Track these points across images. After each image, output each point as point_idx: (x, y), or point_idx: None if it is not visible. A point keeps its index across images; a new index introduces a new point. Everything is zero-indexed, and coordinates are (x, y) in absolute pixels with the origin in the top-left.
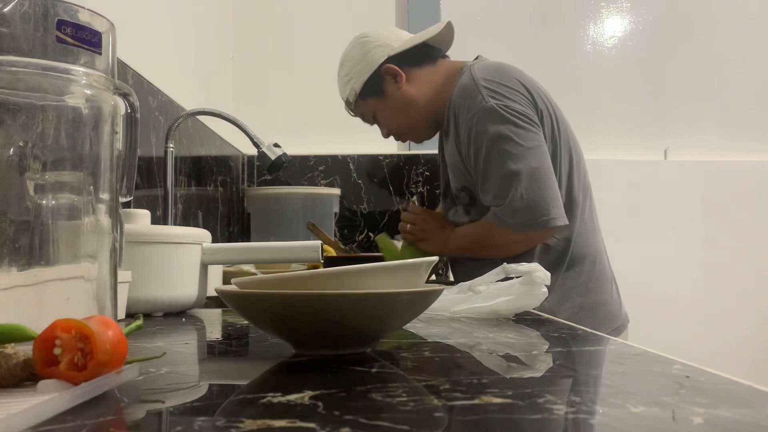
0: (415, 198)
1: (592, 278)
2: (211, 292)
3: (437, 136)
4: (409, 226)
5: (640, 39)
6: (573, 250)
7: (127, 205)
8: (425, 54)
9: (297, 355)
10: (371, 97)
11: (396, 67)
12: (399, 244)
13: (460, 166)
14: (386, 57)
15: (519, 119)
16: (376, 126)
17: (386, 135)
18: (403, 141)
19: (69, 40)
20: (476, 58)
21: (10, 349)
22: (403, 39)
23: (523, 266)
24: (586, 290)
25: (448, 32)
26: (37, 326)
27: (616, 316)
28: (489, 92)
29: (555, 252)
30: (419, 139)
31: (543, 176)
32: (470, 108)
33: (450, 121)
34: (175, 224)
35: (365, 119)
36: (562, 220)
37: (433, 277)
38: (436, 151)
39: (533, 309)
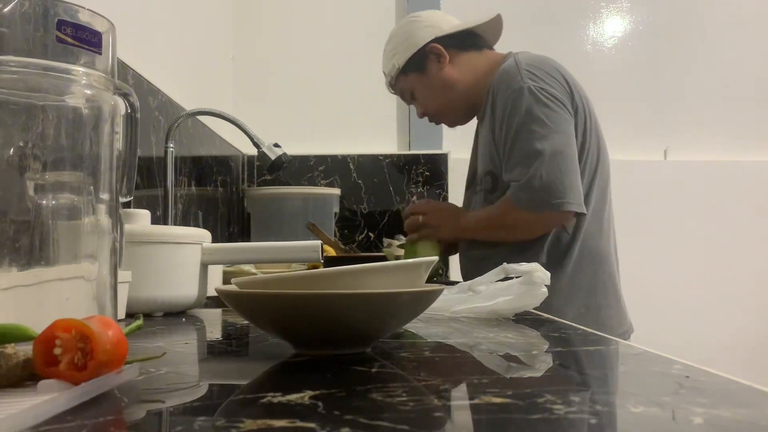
0: (415, 198)
1: (600, 281)
2: (211, 292)
3: (460, 129)
4: (421, 217)
5: (640, 39)
6: (583, 248)
7: (127, 205)
8: (471, 40)
9: (297, 355)
10: (413, 73)
11: (441, 47)
12: (397, 245)
13: (491, 148)
14: (433, 37)
15: (553, 102)
16: (375, 126)
17: (421, 115)
18: (437, 123)
19: (69, 40)
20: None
21: (10, 349)
22: (453, 24)
23: (523, 266)
24: (593, 292)
25: (497, 25)
26: (37, 326)
27: (621, 321)
28: (529, 75)
29: (563, 245)
30: (453, 123)
31: (566, 160)
32: (508, 87)
33: (488, 103)
34: (175, 224)
35: (404, 97)
36: (578, 207)
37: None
38: (436, 151)
39: (535, 309)
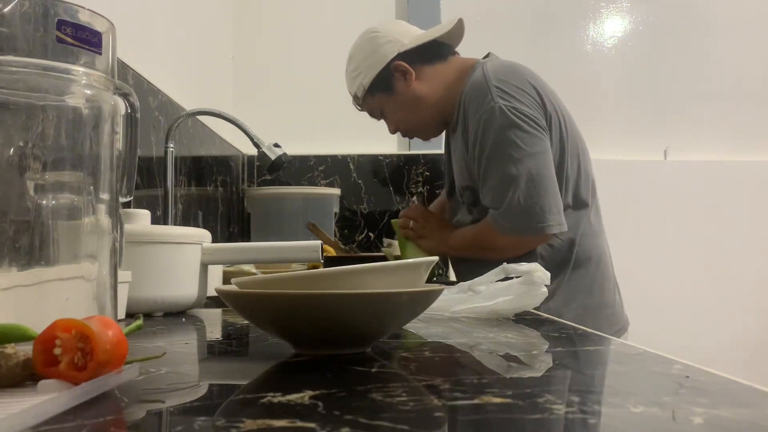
0: (415, 198)
1: (596, 280)
2: (211, 292)
3: (443, 135)
4: (412, 223)
5: (640, 39)
6: (578, 252)
7: (127, 205)
8: (436, 51)
9: (297, 355)
10: (380, 93)
11: (406, 65)
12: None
13: (467, 164)
14: (396, 53)
15: (526, 122)
16: (375, 126)
17: (393, 131)
18: (410, 137)
19: (69, 40)
20: (487, 56)
21: (10, 349)
22: (413, 35)
23: (523, 266)
24: (590, 292)
25: (458, 29)
26: (37, 326)
27: (618, 318)
28: (499, 92)
29: (560, 253)
30: (426, 137)
31: (543, 182)
32: (479, 106)
33: (459, 116)
34: (175, 224)
35: (373, 115)
36: (559, 227)
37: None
38: (436, 151)
39: (535, 309)
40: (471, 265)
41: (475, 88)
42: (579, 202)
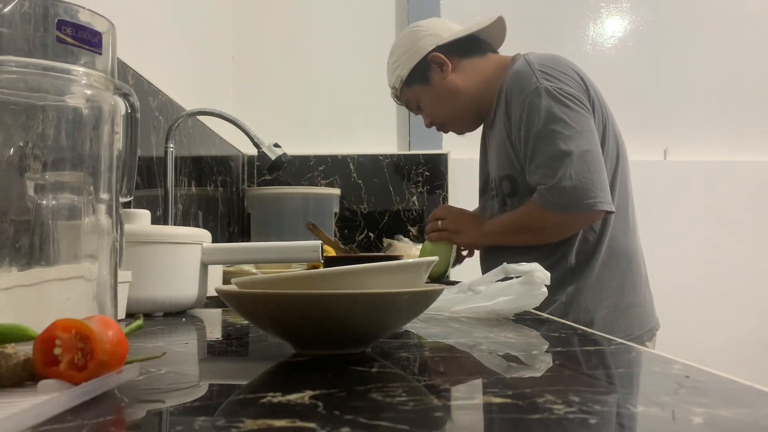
0: (415, 198)
1: (628, 279)
2: (211, 292)
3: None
4: (440, 222)
5: (640, 39)
6: (610, 246)
7: (127, 205)
8: (474, 45)
9: (297, 355)
10: (417, 85)
11: (442, 56)
12: (406, 245)
13: (508, 151)
14: (434, 46)
15: (572, 101)
16: (375, 126)
17: (429, 124)
18: (445, 132)
19: (69, 40)
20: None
21: (10, 349)
22: (453, 30)
23: (523, 266)
24: (621, 290)
25: (499, 28)
26: (37, 326)
27: (649, 318)
28: (543, 75)
29: (590, 245)
30: (461, 131)
31: (593, 159)
32: (524, 89)
33: (499, 107)
34: (175, 224)
35: (410, 107)
36: (608, 205)
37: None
38: (436, 151)
39: (563, 305)
40: (507, 255)
41: (517, 74)
42: (613, 193)
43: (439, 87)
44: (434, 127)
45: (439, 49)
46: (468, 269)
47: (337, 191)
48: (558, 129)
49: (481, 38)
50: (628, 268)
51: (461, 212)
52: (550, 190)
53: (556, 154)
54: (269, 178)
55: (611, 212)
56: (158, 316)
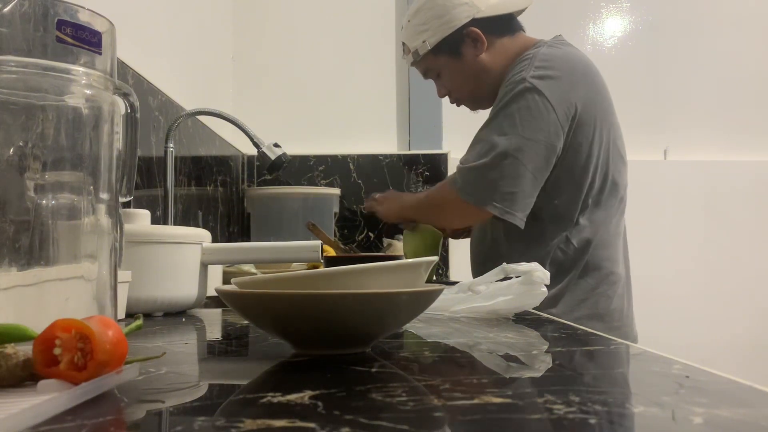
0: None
1: (604, 292)
2: (211, 292)
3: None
4: (370, 201)
5: (640, 39)
6: (589, 260)
7: (127, 205)
8: (508, 24)
9: (297, 355)
10: (444, 56)
11: (480, 33)
12: (399, 244)
13: None
14: (471, 18)
15: (542, 107)
16: (375, 126)
17: (443, 95)
18: (458, 105)
19: (69, 40)
20: (556, 36)
21: (10, 349)
22: (491, 4)
23: (523, 266)
24: (595, 304)
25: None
26: (37, 326)
27: (625, 335)
28: (536, 69)
29: (568, 257)
30: (476, 107)
31: (516, 168)
32: (513, 76)
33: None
34: (175, 224)
35: (426, 74)
36: (509, 216)
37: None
38: (436, 151)
39: (536, 310)
40: (479, 265)
41: (520, 62)
42: (599, 209)
43: (470, 64)
44: (446, 98)
45: (475, 22)
46: (468, 269)
47: (336, 191)
48: (504, 123)
49: (514, 15)
50: (606, 281)
51: (389, 192)
52: (461, 170)
53: (485, 141)
54: (269, 178)
55: (504, 220)
56: (158, 316)
